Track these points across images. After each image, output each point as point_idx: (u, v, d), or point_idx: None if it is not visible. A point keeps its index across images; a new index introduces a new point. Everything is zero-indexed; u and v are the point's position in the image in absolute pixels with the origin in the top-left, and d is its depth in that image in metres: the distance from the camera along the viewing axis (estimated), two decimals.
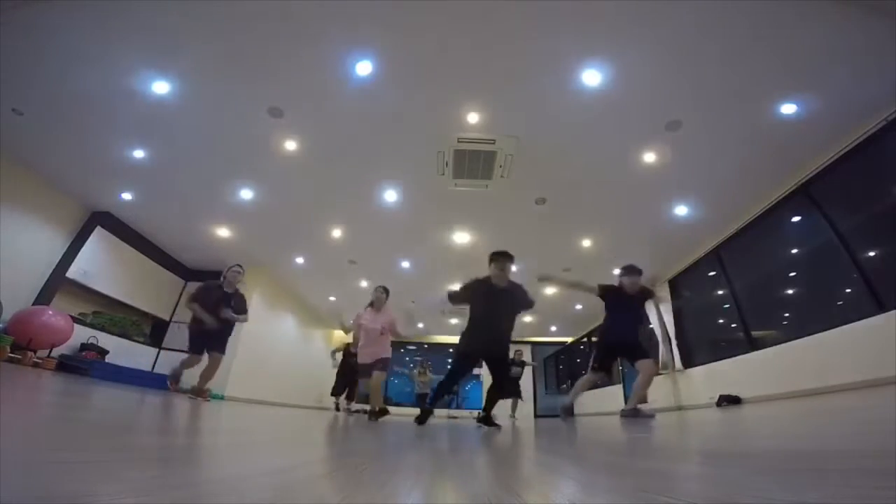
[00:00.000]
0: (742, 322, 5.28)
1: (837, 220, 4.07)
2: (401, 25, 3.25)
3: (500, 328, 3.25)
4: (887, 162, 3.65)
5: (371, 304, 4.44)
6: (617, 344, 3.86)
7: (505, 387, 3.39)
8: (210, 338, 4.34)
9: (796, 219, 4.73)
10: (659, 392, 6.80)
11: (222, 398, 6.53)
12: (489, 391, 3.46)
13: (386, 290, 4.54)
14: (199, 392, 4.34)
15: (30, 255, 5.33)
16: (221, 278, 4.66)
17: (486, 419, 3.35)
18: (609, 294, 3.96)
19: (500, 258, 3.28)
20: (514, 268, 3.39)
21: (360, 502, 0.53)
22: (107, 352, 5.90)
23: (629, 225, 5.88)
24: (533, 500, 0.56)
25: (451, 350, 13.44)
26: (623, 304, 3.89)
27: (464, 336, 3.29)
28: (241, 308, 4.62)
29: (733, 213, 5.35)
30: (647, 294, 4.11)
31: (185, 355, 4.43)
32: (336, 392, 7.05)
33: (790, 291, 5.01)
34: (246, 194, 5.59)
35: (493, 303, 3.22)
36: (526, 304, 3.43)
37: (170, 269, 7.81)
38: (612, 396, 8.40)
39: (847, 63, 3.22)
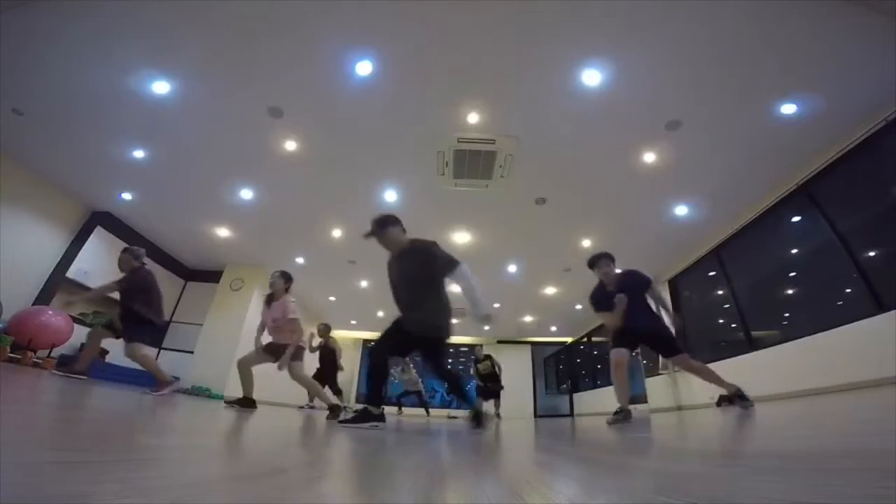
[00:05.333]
0: (742, 322, 5.28)
1: (837, 220, 4.07)
2: (401, 25, 3.25)
3: (408, 301, 2.56)
4: (887, 162, 3.65)
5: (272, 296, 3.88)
6: (637, 330, 3.20)
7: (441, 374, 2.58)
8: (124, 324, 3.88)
9: (796, 219, 4.73)
10: (659, 392, 6.81)
11: (222, 398, 6.52)
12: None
13: (284, 276, 3.88)
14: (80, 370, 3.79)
15: (30, 255, 5.33)
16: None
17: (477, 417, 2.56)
18: (597, 298, 3.43)
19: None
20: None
21: (359, 502, 0.53)
22: (107, 352, 5.89)
23: (629, 225, 5.89)
24: (533, 500, 0.56)
25: (450, 350, 13.44)
26: (613, 298, 3.30)
27: None
28: (127, 295, 3.95)
29: (733, 213, 5.35)
30: (634, 278, 3.40)
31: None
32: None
33: (790, 291, 5.01)
34: (246, 194, 5.59)
35: (393, 273, 2.67)
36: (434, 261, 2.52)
37: (170, 268, 7.81)
38: (612, 396, 8.40)
39: (847, 63, 3.23)
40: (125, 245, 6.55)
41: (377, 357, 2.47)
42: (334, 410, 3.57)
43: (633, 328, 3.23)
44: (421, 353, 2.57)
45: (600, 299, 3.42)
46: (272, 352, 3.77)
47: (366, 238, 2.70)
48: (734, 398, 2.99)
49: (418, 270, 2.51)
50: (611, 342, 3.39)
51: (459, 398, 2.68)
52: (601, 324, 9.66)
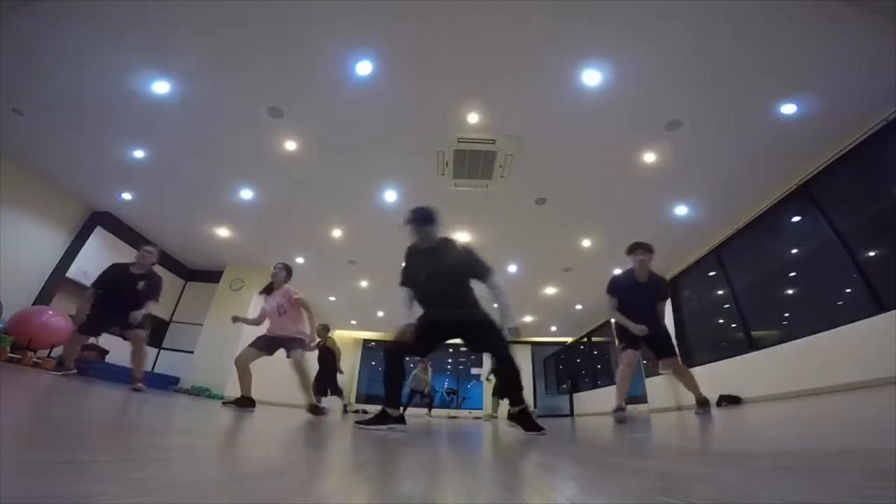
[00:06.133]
0: (742, 322, 5.27)
1: (837, 220, 4.06)
2: (401, 25, 3.25)
3: (446, 290, 2.45)
4: (887, 162, 3.64)
5: (271, 286, 4.01)
6: (650, 334, 3.27)
7: (503, 357, 2.34)
8: (118, 317, 3.83)
9: (796, 219, 4.73)
10: (659, 392, 6.81)
11: (222, 398, 6.53)
12: (498, 372, 2.47)
13: (286, 268, 4.04)
14: (135, 379, 3.83)
15: (30, 255, 5.33)
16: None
17: (524, 417, 2.21)
18: (620, 284, 3.45)
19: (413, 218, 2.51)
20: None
21: (360, 502, 0.53)
22: (107, 352, 5.90)
23: (629, 225, 5.88)
24: (533, 500, 0.56)
25: (450, 350, 13.44)
26: (634, 291, 3.38)
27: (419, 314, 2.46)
28: (150, 292, 4.01)
29: (733, 213, 5.35)
30: (660, 285, 3.50)
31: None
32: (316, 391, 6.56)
33: (790, 291, 5.01)
34: (246, 194, 5.59)
35: (427, 263, 2.51)
36: (469, 265, 2.49)
37: (170, 269, 7.81)
38: (611, 396, 8.39)
39: (847, 63, 3.22)
40: (125, 245, 6.59)
41: (395, 357, 2.37)
42: (315, 411, 3.65)
43: (648, 333, 3.30)
44: (470, 339, 2.44)
45: (622, 286, 3.44)
46: (270, 345, 3.76)
47: (404, 226, 2.52)
48: (702, 404, 3.21)
49: (455, 267, 2.46)
50: (621, 341, 3.45)
51: (510, 390, 2.32)
52: (601, 324, 9.68)
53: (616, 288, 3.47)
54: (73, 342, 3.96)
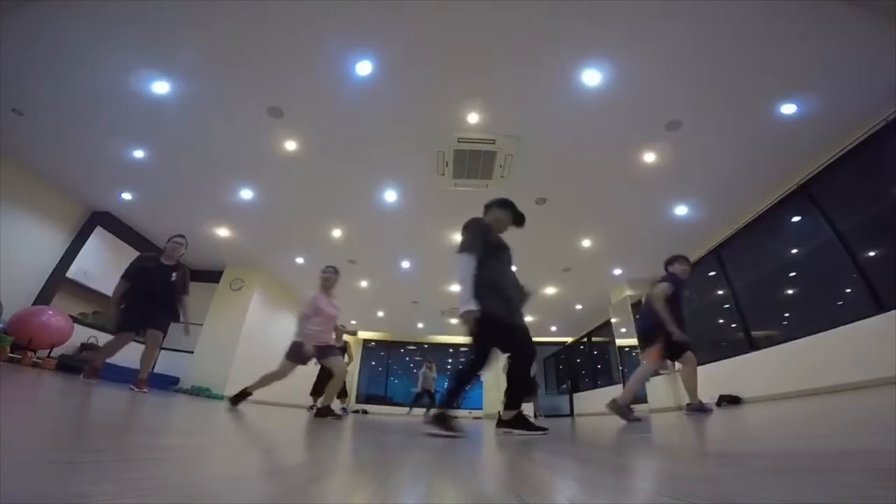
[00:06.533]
0: (742, 322, 5.28)
1: (837, 220, 4.07)
2: (401, 25, 3.25)
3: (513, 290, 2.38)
4: (887, 162, 3.65)
5: (323, 288, 3.89)
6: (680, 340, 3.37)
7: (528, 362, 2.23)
8: (150, 312, 3.68)
9: (796, 219, 4.73)
10: (659, 392, 6.80)
11: (222, 398, 6.53)
12: (514, 376, 2.28)
13: (337, 271, 3.97)
14: (139, 382, 3.63)
15: (30, 255, 5.33)
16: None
17: (521, 420, 2.20)
18: (676, 283, 3.53)
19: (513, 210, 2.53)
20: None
21: (360, 502, 0.53)
22: None
23: (629, 225, 5.88)
24: (533, 500, 0.56)
25: (450, 350, 13.43)
26: (679, 294, 3.51)
27: (486, 301, 2.11)
28: (183, 284, 3.96)
29: (733, 213, 5.35)
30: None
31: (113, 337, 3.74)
32: (315, 391, 6.33)
33: (790, 291, 5.01)
34: (246, 194, 5.60)
35: (505, 257, 2.43)
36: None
37: None
38: (611, 396, 8.39)
39: (847, 63, 3.22)
40: (125, 244, 6.59)
41: (487, 356, 2.20)
42: (327, 413, 3.53)
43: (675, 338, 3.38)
44: (513, 343, 2.26)
45: (679, 284, 3.54)
46: (310, 355, 3.63)
47: (503, 208, 2.56)
48: (695, 407, 3.34)
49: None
50: (666, 347, 3.49)
51: (519, 393, 2.26)
52: (601, 324, 9.66)
53: (676, 283, 3.53)
54: (116, 342, 3.65)
